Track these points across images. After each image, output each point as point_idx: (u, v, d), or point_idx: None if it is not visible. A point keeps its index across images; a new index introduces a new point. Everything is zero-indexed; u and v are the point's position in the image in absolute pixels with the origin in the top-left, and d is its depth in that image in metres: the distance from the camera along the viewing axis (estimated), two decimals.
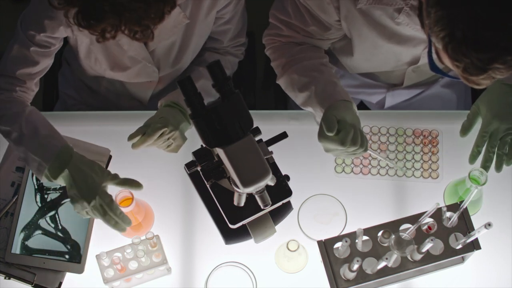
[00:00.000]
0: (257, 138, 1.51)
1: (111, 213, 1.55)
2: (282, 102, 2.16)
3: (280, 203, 1.56)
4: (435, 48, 1.30)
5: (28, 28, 1.64)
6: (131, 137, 1.64)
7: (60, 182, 1.59)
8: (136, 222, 1.64)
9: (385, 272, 1.51)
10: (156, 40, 1.72)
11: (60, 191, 1.73)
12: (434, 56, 1.35)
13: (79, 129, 1.81)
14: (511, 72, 1.24)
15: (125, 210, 1.57)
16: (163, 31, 1.70)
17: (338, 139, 1.51)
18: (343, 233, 1.63)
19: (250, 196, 1.49)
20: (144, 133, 1.64)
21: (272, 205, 1.50)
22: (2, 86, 1.67)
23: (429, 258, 1.52)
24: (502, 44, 1.20)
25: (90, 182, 1.55)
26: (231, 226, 1.55)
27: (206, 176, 1.53)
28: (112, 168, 1.76)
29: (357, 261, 1.40)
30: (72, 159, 1.57)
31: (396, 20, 1.59)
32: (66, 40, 1.87)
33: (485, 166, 1.70)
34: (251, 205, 1.52)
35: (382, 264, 1.43)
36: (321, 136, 1.54)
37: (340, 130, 1.51)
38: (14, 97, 1.67)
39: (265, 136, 1.53)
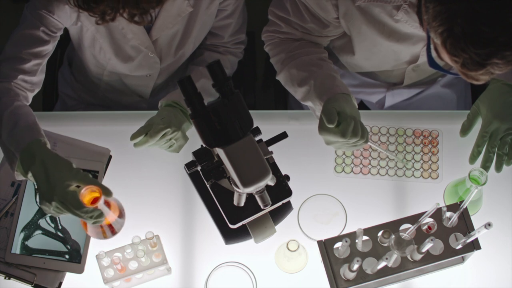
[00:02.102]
0: (257, 138, 1.51)
1: (77, 211, 1.44)
2: (282, 102, 2.16)
3: (280, 203, 1.56)
4: (434, 44, 1.31)
5: (37, 8, 1.63)
6: (133, 137, 1.65)
7: (31, 179, 1.51)
8: (105, 222, 1.56)
9: (385, 272, 1.51)
10: (159, 29, 1.74)
11: None
12: (434, 54, 1.35)
13: (79, 129, 1.81)
14: (510, 67, 1.24)
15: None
16: (167, 19, 1.72)
17: (339, 131, 1.51)
18: (343, 233, 1.63)
19: (250, 196, 1.49)
20: (146, 133, 1.64)
21: (272, 205, 1.50)
22: (3, 72, 1.64)
23: (429, 258, 1.52)
24: (501, 39, 1.20)
25: (51, 180, 1.45)
26: (231, 226, 1.55)
27: (206, 176, 1.53)
28: (112, 168, 1.77)
29: (357, 261, 1.40)
30: (39, 155, 1.48)
31: (395, 18, 1.60)
32: (68, 39, 1.87)
33: (485, 166, 1.70)
34: (251, 205, 1.52)
35: (382, 264, 1.43)
36: (322, 128, 1.54)
37: (341, 122, 1.51)
38: (10, 88, 1.63)
39: (265, 136, 1.53)
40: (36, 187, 1.51)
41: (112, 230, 1.56)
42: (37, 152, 1.49)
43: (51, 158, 1.49)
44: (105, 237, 1.58)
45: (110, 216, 1.53)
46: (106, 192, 1.47)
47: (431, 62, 1.40)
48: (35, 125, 1.57)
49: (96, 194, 1.46)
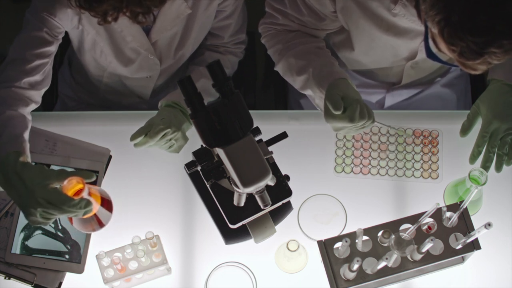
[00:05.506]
0: (257, 138, 1.51)
1: (64, 207, 1.40)
2: (282, 102, 2.16)
3: (280, 203, 1.56)
4: (432, 34, 1.31)
5: (39, 11, 1.63)
6: (133, 138, 1.65)
7: (4, 191, 1.48)
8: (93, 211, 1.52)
9: (385, 272, 1.51)
10: (158, 31, 1.74)
11: None
12: (434, 49, 1.35)
13: (79, 129, 1.81)
14: (508, 57, 1.25)
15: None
16: (166, 21, 1.72)
17: (346, 117, 1.53)
18: (343, 233, 1.63)
19: (250, 196, 1.49)
20: (146, 133, 1.64)
21: (272, 205, 1.50)
22: (8, 75, 1.64)
23: (429, 258, 1.52)
24: (498, 28, 1.20)
25: (29, 186, 1.42)
26: (231, 226, 1.55)
27: (206, 176, 1.53)
28: (112, 168, 1.77)
29: (357, 261, 1.40)
30: (12, 167, 1.45)
31: (393, 12, 1.60)
32: (69, 39, 1.87)
33: (485, 166, 1.70)
34: (251, 205, 1.52)
35: (382, 264, 1.43)
36: (329, 116, 1.55)
37: (346, 107, 1.53)
38: (9, 95, 1.62)
39: (265, 136, 1.53)
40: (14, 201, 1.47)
41: (99, 222, 1.54)
42: (11, 164, 1.47)
43: (23, 167, 1.46)
44: (92, 229, 1.55)
45: (95, 207, 1.49)
46: (87, 175, 1.43)
47: (429, 53, 1.40)
48: (19, 137, 1.55)
49: (80, 185, 1.42)
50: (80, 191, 1.42)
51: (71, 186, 1.43)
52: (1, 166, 1.48)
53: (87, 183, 1.44)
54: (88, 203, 1.43)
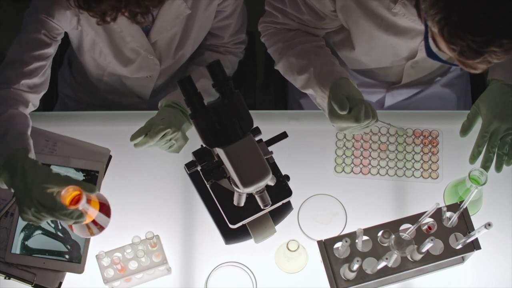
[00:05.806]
0: (257, 138, 1.51)
1: (56, 212, 1.41)
2: (282, 102, 2.16)
3: (280, 203, 1.56)
4: (432, 33, 1.32)
5: (38, 12, 1.63)
6: (133, 138, 1.65)
7: (12, 189, 1.48)
8: (89, 219, 1.52)
9: (385, 272, 1.51)
10: (158, 32, 1.74)
11: None
12: (434, 48, 1.35)
13: (79, 129, 1.81)
14: (508, 56, 1.25)
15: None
16: (165, 22, 1.72)
17: (352, 117, 1.54)
18: (343, 233, 1.63)
19: (250, 196, 1.49)
20: (146, 133, 1.64)
21: (272, 205, 1.50)
22: (6, 76, 1.64)
23: (429, 258, 1.52)
24: (498, 27, 1.21)
25: (28, 184, 1.43)
26: (231, 226, 1.55)
27: (206, 176, 1.54)
28: (112, 168, 1.77)
29: (357, 261, 1.40)
30: (20, 163, 1.46)
31: (393, 11, 1.60)
32: (68, 40, 1.88)
33: (485, 166, 1.70)
34: (251, 205, 1.52)
35: (382, 264, 1.43)
36: (334, 116, 1.56)
37: (351, 108, 1.54)
38: (8, 95, 1.62)
39: (265, 136, 1.53)
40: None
41: (98, 226, 1.53)
42: (20, 160, 1.47)
43: (30, 165, 1.46)
44: (91, 234, 1.54)
45: (93, 213, 1.50)
46: (89, 188, 1.44)
47: (429, 52, 1.40)
48: (23, 135, 1.56)
49: (77, 192, 1.43)
50: (78, 197, 1.43)
51: (68, 194, 1.43)
52: (9, 163, 1.47)
53: None
54: (80, 215, 1.43)
